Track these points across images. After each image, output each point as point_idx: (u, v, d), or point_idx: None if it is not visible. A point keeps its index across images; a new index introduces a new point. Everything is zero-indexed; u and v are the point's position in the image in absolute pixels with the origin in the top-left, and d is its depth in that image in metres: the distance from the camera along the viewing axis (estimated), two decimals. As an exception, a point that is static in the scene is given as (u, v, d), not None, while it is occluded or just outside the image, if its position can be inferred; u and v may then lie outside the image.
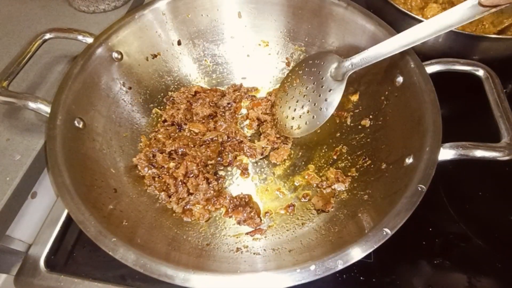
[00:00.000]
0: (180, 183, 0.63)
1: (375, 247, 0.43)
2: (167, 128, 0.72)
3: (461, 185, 0.70)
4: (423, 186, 0.47)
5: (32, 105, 0.55)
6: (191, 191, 0.63)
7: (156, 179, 0.64)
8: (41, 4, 0.87)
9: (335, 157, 0.68)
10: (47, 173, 0.66)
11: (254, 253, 0.55)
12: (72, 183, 0.49)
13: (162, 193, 0.63)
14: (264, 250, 0.56)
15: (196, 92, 0.77)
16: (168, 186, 0.63)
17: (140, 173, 0.65)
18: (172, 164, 0.65)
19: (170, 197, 0.63)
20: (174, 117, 0.72)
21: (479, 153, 0.50)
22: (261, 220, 0.61)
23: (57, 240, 0.62)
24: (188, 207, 0.63)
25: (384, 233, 0.44)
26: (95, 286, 0.57)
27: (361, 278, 0.59)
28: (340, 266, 0.41)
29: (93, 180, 0.55)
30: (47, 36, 0.64)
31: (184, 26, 0.75)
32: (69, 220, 0.64)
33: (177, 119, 0.72)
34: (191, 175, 0.64)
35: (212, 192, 0.63)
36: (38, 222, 0.64)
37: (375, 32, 0.65)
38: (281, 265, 0.43)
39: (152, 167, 0.65)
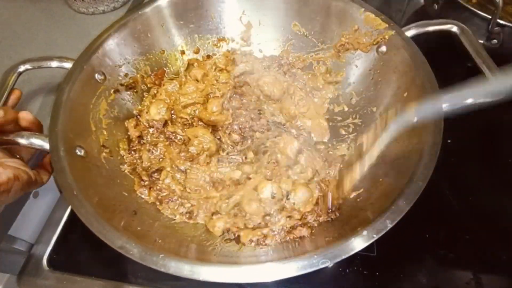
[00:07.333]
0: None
1: (366, 245, 0.41)
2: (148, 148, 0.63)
3: (464, 177, 0.68)
4: (421, 183, 0.45)
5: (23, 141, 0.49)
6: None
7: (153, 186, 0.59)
8: (41, 7, 0.86)
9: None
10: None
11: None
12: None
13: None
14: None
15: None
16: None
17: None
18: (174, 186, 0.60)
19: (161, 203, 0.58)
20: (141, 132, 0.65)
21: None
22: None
23: (59, 239, 0.62)
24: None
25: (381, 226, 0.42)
26: (98, 284, 0.57)
27: (364, 272, 0.57)
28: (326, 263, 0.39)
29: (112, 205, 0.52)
30: (21, 68, 0.59)
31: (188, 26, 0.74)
32: (71, 219, 0.64)
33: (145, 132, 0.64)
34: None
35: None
36: (41, 222, 0.64)
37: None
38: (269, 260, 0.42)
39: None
